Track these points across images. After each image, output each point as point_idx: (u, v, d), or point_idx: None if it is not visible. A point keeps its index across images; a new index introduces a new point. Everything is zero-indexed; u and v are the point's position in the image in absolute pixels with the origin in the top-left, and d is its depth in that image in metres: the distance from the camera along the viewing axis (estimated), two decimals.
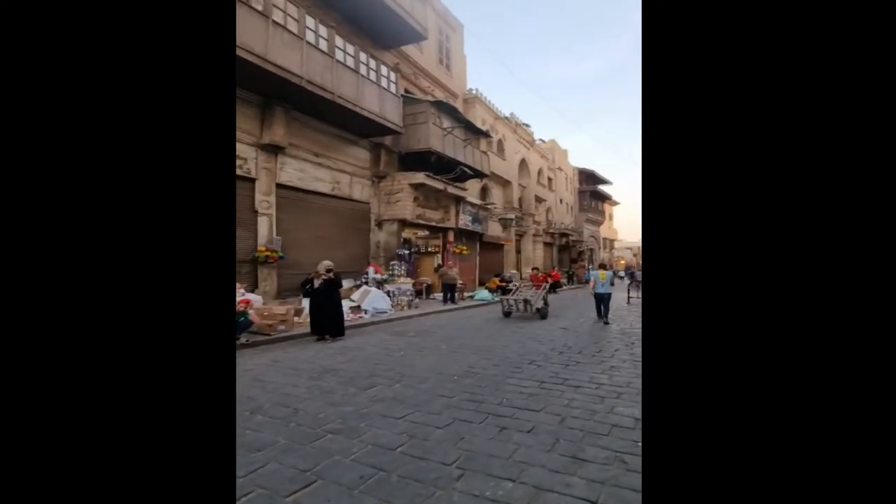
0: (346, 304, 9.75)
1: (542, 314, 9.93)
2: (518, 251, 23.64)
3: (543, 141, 26.10)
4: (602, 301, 9.14)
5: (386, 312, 9.86)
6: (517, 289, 11.43)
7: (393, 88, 11.31)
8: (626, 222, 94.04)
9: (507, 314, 10.18)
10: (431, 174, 12.45)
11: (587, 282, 26.46)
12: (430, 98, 12.83)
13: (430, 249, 14.88)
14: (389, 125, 10.96)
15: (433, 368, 5.19)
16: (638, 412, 3.52)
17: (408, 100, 12.86)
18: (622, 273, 28.36)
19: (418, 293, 13.74)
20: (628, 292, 14.94)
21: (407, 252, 12.89)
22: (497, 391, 4.26)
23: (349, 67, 9.93)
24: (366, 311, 9.65)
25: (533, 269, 13.47)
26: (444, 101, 13.36)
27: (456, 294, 12.89)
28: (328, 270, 7.26)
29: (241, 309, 6.61)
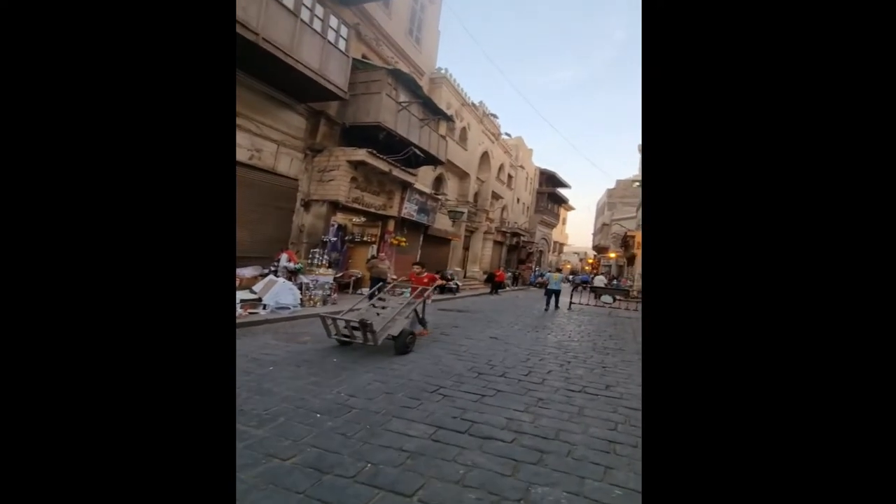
0: (243, 295, 8.11)
1: (399, 346, 5.72)
2: (466, 248, 22.46)
3: (509, 136, 24.86)
4: (553, 294, 13.12)
5: (289, 308, 8.25)
6: (373, 295, 7.20)
7: (342, 45, 9.44)
8: (577, 228, 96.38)
9: (342, 342, 5.83)
10: (375, 152, 10.75)
11: (533, 284, 27.12)
12: (386, 66, 11.03)
13: (365, 238, 13.25)
14: (330, 87, 9.09)
15: (295, 398, 3.89)
16: (567, 496, 2.40)
17: (360, 65, 11.02)
18: (569, 276, 28.39)
19: (345, 287, 12.18)
20: (570, 297, 14.86)
21: (335, 239, 11.21)
22: (367, 444, 3.08)
23: (286, 7, 7.97)
24: (265, 306, 8.00)
25: (415, 264, 8.14)
26: (404, 72, 11.60)
27: (386, 290, 11.42)
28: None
29: None
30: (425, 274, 7.70)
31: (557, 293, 13.08)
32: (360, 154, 10.37)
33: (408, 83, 11.86)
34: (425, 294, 7.01)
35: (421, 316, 7.10)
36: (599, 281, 19.35)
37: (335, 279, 11.83)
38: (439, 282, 7.75)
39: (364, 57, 11.67)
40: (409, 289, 7.65)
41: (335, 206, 10.75)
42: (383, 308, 6.59)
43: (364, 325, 5.51)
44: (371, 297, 11.02)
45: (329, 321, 5.72)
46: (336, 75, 9.18)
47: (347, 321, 5.66)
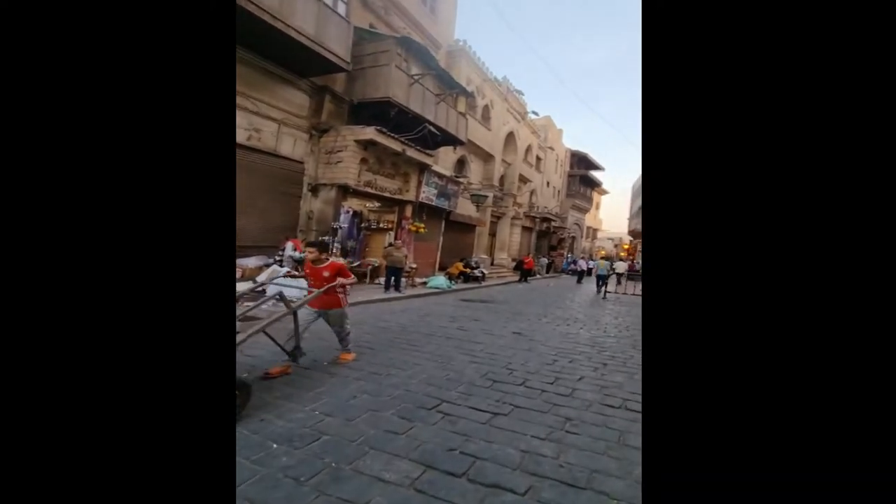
0: (245, 286, 7.44)
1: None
2: (493, 234, 21.37)
3: (537, 115, 23.39)
4: (602, 279, 14.39)
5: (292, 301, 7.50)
6: (389, 285, 5.75)
7: (342, 10, 8.53)
8: (611, 212, 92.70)
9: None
10: (385, 131, 9.83)
11: (566, 271, 25.82)
12: (395, 35, 10.04)
13: (382, 225, 12.44)
14: (329, 56, 8.19)
15: (253, 419, 2.94)
16: None
17: (367, 34, 10.09)
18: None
19: (362, 276, 11.45)
20: (606, 285, 14.33)
21: (346, 226, 10.43)
22: (322, 496, 2.11)
23: None
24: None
25: (310, 245, 4.64)
26: (416, 40, 10.57)
27: (403, 280, 10.62)
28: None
29: None
30: (327, 263, 4.38)
31: (606, 278, 14.37)
32: (369, 132, 9.48)
33: (420, 54, 10.84)
34: (333, 293, 4.26)
35: (341, 328, 4.46)
36: (621, 267, 18.15)
37: (352, 268, 11.13)
38: (347, 279, 4.29)
39: (371, 27, 10.73)
40: (305, 289, 4.59)
41: (345, 191, 9.94)
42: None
43: None
44: (389, 286, 10.29)
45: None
46: (336, 43, 8.28)
47: None
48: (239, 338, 3.24)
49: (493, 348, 5.66)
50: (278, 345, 3.96)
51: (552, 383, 4.32)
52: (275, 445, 2.71)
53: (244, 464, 2.47)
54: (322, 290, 4.18)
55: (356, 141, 9.55)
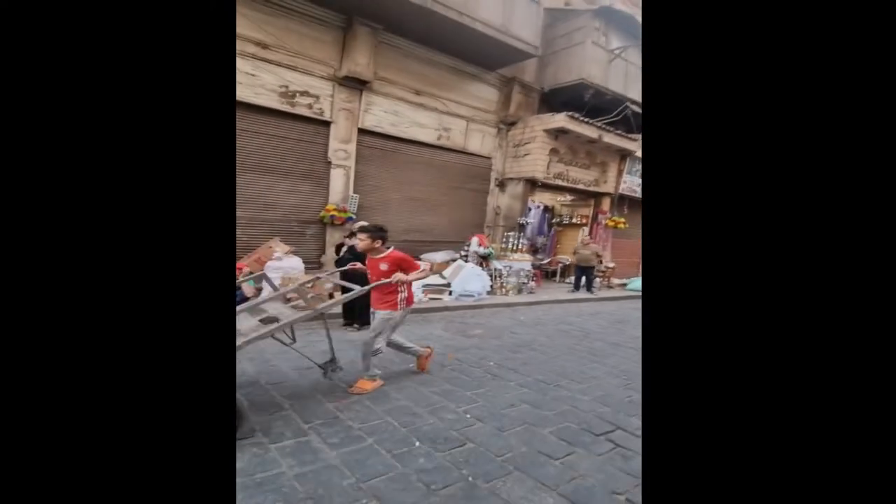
0: (430, 280, 7.84)
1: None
2: None
3: None
4: None
5: (473, 296, 7.51)
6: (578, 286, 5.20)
7: None
8: None
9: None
10: (578, 116, 8.99)
11: None
12: (591, 7, 9.09)
13: (575, 220, 11.58)
14: (517, 45, 7.85)
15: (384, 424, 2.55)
16: None
17: (558, 13, 9.44)
18: None
19: (552, 275, 10.90)
20: None
21: (532, 221, 10.00)
22: None
23: None
24: (450, 292, 7.49)
25: (361, 229, 3.42)
26: (617, 9, 9.38)
27: (595, 279, 9.61)
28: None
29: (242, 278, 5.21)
30: (386, 253, 3.38)
31: None
32: (559, 120, 8.83)
33: (623, 23, 9.57)
34: (388, 290, 3.32)
35: (370, 341, 3.30)
36: None
37: (541, 266, 10.70)
38: (410, 273, 3.32)
39: (567, 4, 10.01)
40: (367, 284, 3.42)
41: (532, 185, 9.54)
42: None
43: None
44: (579, 286, 9.39)
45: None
46: (524, 29, 7.92)
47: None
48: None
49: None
50: (308, 359, 3.31)
51: None
52: (417, 443, 2.52)
53: (385, 457, 2.33)
54: (368, 287, 3.29)
55: (545, 130, 9.02)
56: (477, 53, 8.19)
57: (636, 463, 2.44)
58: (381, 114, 7.83)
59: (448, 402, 3.16)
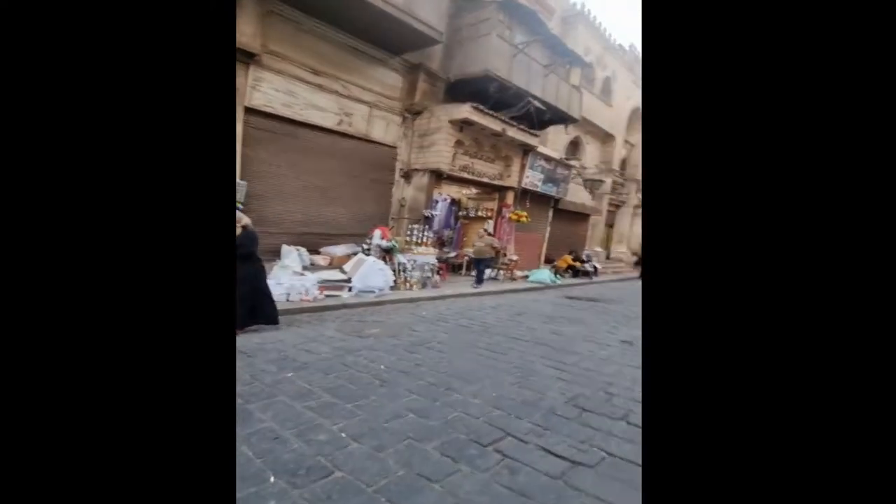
0: (330, 275, 7.30)
1: None
2: (610, 225, 19.21)
3: None
4: None
5: (374, 292, 7.14)
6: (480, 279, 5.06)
7: None
8: None
9: None
10: (482, 108, 8.94)
11: None
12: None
13: (480, 213, 11.66)
14: (420, 27, 7.53)
15: (263, 447, 2.38)
16: None
17: (464, 3, 9.29)
18: None
19: (458, 268, 10.86)
20: None
21: (438, 213, 9.86)
22: None
23: None
24: (350, 288, 7.04)
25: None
26: (521, 3, 9.45)
27: (488, 272, 9.75)
28: (243, 227, 4.48)
29: None
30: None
31: None
32: (464, 111, 8.71)
33: (526, 19, 9.70)
34: None
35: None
36: None
37: (447, 259, 10.59)
38: None
39: None
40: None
41: (438, 176, 9.34)
42: None
43: None
44: (478, 281, 9.32)
45: None
46: (427, 12, 7.62)
47: None
48: None
49: (591, 361, 4.50)
50: None
51: None
52: (272, 479, 2.10)
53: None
54: None
55: (450, 121, 8.85)
56: (379, 34, 7.73)
57: (523, 476, 2.27)
58: (273, 92, 7.06)
59: (323, 419, 2.76)
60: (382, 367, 3.88)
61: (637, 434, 2.85)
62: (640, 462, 2.49)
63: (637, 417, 3.12)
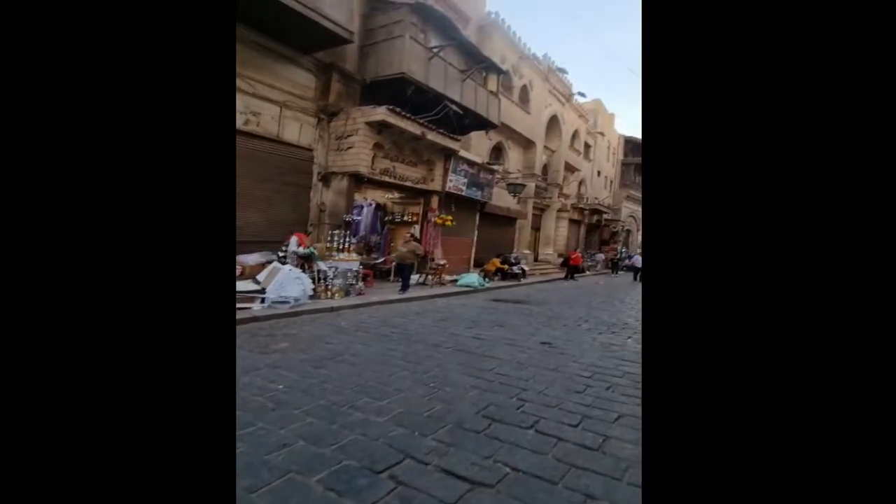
0: (243, 286, 6.69)
1: None
2: (536, 228, 19.80)
3: (584, 96, 21.45)
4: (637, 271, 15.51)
5: (289, 302, 6.64)
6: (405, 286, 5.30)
7: None
8: None
9: None
10: (399, 110, 8.73)
11: (618, 267, 23.54)
12: (408, 1, 8.91)
13: (407, 218, 11.42)
14: (327, 24, 7.17)
15: None
16: None
17: (379, 4, 9.06)
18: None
19: (385, 274, 10.52)
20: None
21: (360, 219, 9.49)
22: None
23: None
24: (263, 299, 6.48)
25: None
26: (434, 7, 9.38)
27: (414, 278, 9.57)
28: None
29: None
30: None
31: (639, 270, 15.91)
32: (380, 113, 8.43)
33: (440, 23, 9.65)
34: None
35: None
36: (640, 262, 16.64)
37: (375, 265, 10.21)
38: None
39: None
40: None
41: (358, 180, 8.98)
42: None
43: None
44: (404, 287, 9.05)
45: None
46: (335, 10, 7.27)
47: None
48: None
49: (508, 367, 4.40)
50: None
51: (576, 426, 3.01)
52: None
53: None
54: None
55: (367, 123, 8.54)
56: (285, 31, 7.25)
57: (420, 503, 2.03)
58: None
59: None
60: (281, 386, 3.48)
61: (544, 444, 2.72)
62: (544, 476, 2.35)
63: (546, 425, 3.00)
